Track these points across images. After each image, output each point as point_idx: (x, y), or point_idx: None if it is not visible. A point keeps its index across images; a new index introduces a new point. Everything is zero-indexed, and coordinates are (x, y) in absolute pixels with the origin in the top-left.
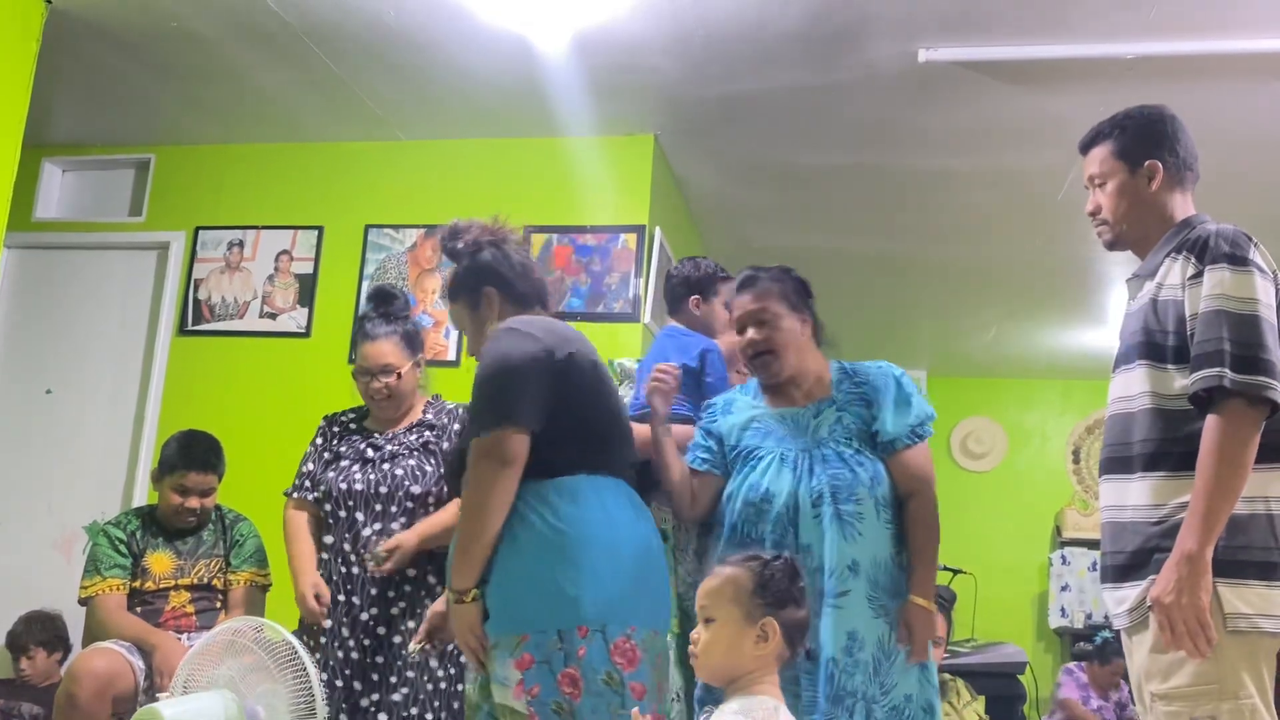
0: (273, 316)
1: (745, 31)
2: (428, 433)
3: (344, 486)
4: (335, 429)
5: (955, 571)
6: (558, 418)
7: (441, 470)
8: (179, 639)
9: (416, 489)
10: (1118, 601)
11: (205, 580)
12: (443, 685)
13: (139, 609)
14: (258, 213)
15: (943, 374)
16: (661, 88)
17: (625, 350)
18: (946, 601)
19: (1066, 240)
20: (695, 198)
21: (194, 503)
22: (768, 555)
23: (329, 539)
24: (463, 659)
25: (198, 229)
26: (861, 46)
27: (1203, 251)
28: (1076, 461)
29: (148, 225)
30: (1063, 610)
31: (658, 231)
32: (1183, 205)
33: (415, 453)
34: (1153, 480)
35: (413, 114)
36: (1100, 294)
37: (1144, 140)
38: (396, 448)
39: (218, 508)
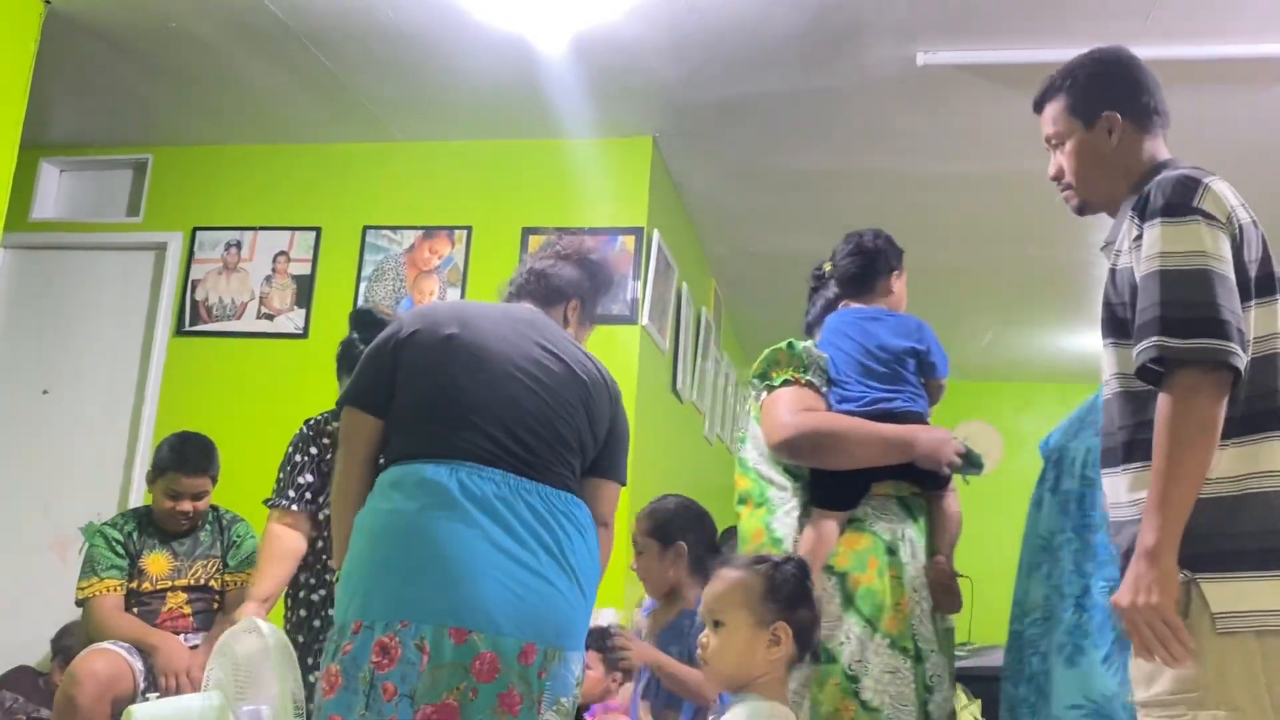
0: (270, 317)
1: (744, 34)
2: None
3: None
4: (325, 440)
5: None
6: (395, 403)
7: None
8: (176, 637)
9: None
10: None
11: (202, 581)
12: None
13: (136, 610)
14: (255, 214)
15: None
16: (660, 90)
17: (621, 355)
18: None
19: (1064, 244)
20: (693, 200)
21: (186, 506)
22: (777, 557)
23: (334, 561)
24: None
25: (195, 230)
26: (860, 49)
27: (1144, 208)
28: None
29: (145, 226)
30: None
31: (656, 234)
32: (1150, 154)
33: None
34: (1134, 472)
35: (410, 115)
36: (1097, 298)
37: (1098, 90)
38: None
39: (214, 508)
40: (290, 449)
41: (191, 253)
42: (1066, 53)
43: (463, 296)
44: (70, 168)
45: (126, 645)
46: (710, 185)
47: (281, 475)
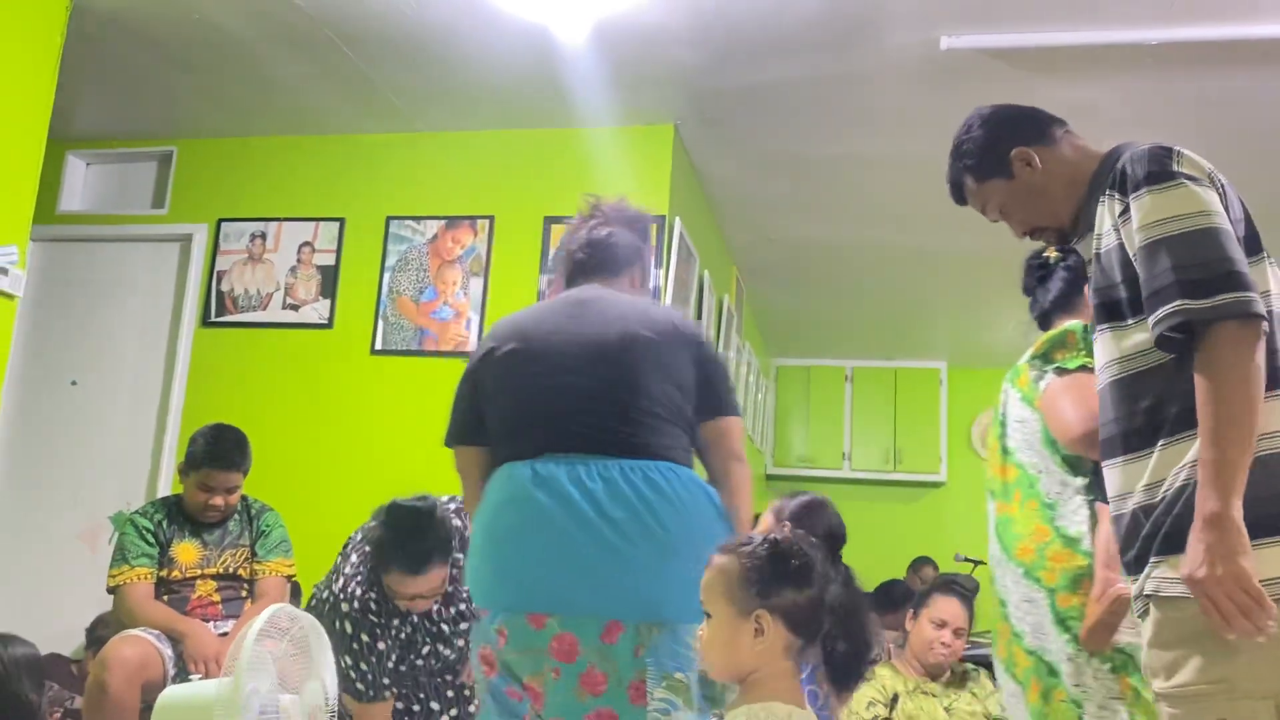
0: (295, 308)
1: (765, 20)
2: (461, 604)
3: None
4: (384, 621)
5: (976, 563)
6: (487, 427)
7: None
8: (205, 625)
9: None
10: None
11: (231, 570)
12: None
13: (165, 598)
14: (279, 205)
15: (962, 365)
16: (681, 77)
17: None
18: (969, 591)
19: None
20: (715, 187)
21: (219, 500)
22: (756, 538)
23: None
24: None
25: (220, 221)
26: (883, 34)
27: (1122, 183)
28: None
29: (171, 218)
30: None
31: (677, 221)
32: (1084, 153)
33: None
34: (1154, 455)
35: (433, 105)
36: None
37: (989, 147)
38: (434, 630)
39: (244, 498)
40: (348, 625)
41: (217, 244)
42: (1091, 35)
43: (485, 286)
44: (96, 161)
45: (156, 632)
46: (732, 172)
47: (364, 666)
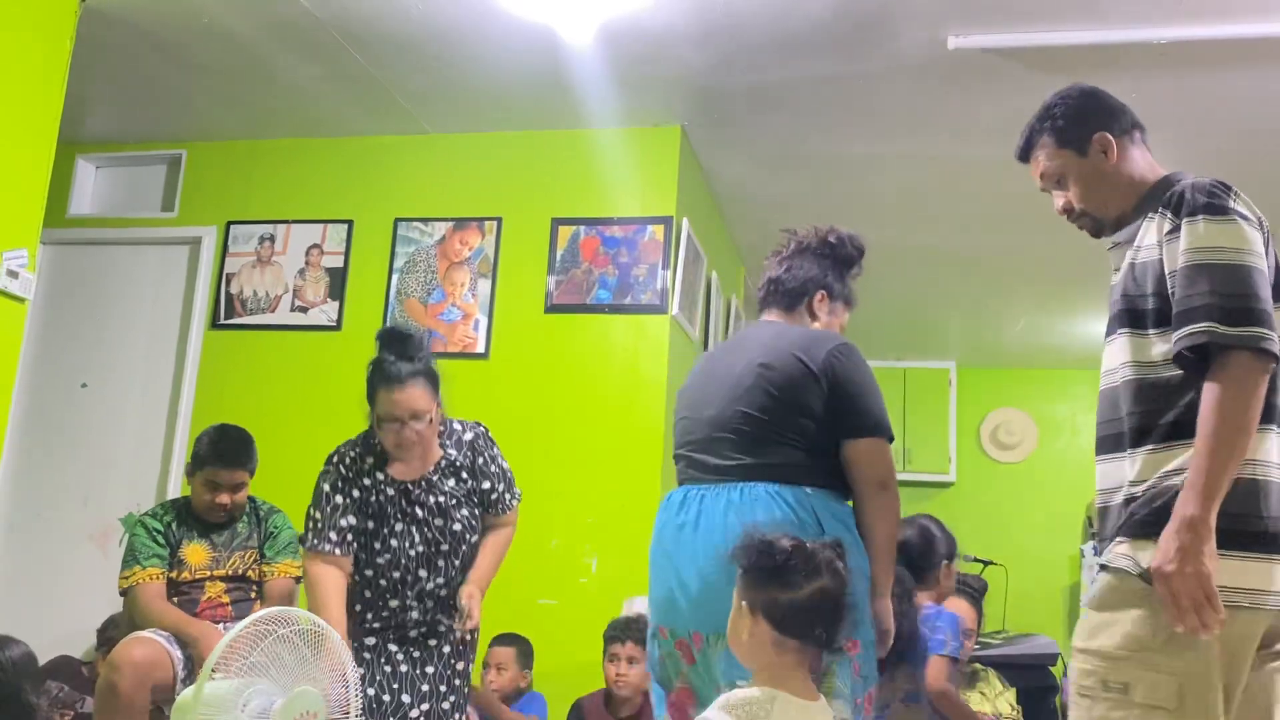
0: (304, 310)
1: (772, 20)
2: (463, 474)
3: (411, 553)
4: (365, 481)
5: (986, 563)
6: None
7: (483, 511)
8: (216, 627)
9: (474, 538)
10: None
11: (240, 571)
12: (467, 690)
13: (175, 599)
14: (288, 207)
15: (973, 364)
16: (688, 78)
17: (651, 344)
18: (977, 592)
19: None
20: (722, 188)
21: (225, 498)
22: (759, 536)
23: (394, 603)
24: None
25: (229, 224)
26: (890, 34)
27: (1178, 206)
28: None
29: (180, 220)
30: None
31: (685, 222)
32: (1149, 165)
33: (463, 502)
34: (1141, 456)
35: (440, 107)
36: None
37: (1080, 120)
38: (443, 500)
39: (251, 500)
40: (327, 487)
41: (226, 247)
42: (1099, 34)
43: (493, 287)
44: (106, 164)
45: (166, 634)
46: (739, 173)
47: (319, 515)
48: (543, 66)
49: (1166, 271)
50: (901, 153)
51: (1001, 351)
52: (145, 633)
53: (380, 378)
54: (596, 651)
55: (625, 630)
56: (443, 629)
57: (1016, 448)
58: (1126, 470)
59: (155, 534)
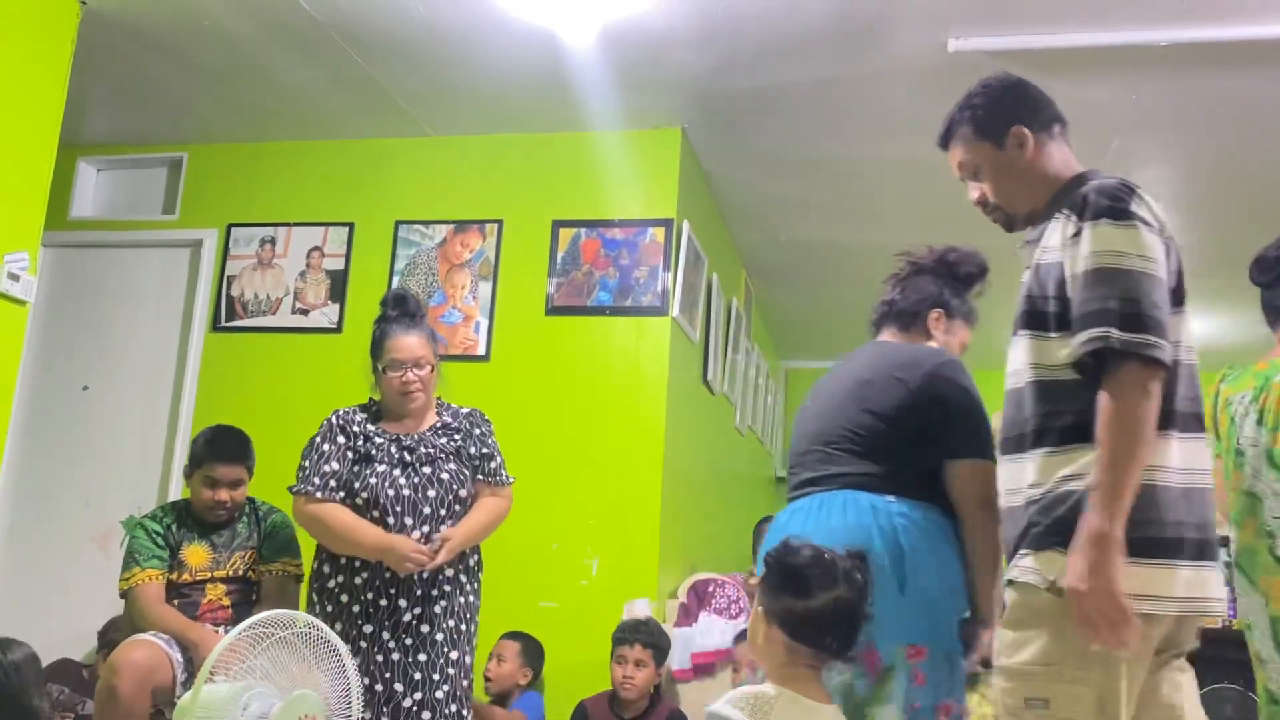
0: (304, 313)
1: (773, 23)
2: (455, 436)
3: (391, 493)
4: (354, 429)
5: None
6: None
7: (471, 474)
8: (216, 631)
9: (464, 492)
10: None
11: (240, 572)
12: (464, 682)
13: (176, 601)
14: (289, 210)
15: (972, 367)
16: (689, 81)
17: (652, 347)
18: None
19: None
20: (723, 191)
21: (224, 495)
22: (777, 545)
23: None
24: (471, 657)
25: (230, 226)
26: (890, 37)
27: (1082, 208)
28: None
29: (181, 223)
30: None
31: (685, 225)
32: (1065, 161)
33: (452, 457)
34: (1040, 458)
35: (441, 110)
36: None
37: (998, 111)
38: (432, 451)
39: (251, 501)
40: (317, 437)
41: (227, 249)
42: (1099, 36)
43: (494, 290)
44: (107, 167)
45: (165, 636)
46: (740, 175)
47: (306, 463)
48: (544, 69)
49: (1068, 275)
50: (902, 155)
51: (1001, 354)
52: (145, 635)
53: (385, 329)
54: (598, 653)
55: (634, 633)
56: (437, 615)
57: None
58: (1027, 472)
59: (155, 536)
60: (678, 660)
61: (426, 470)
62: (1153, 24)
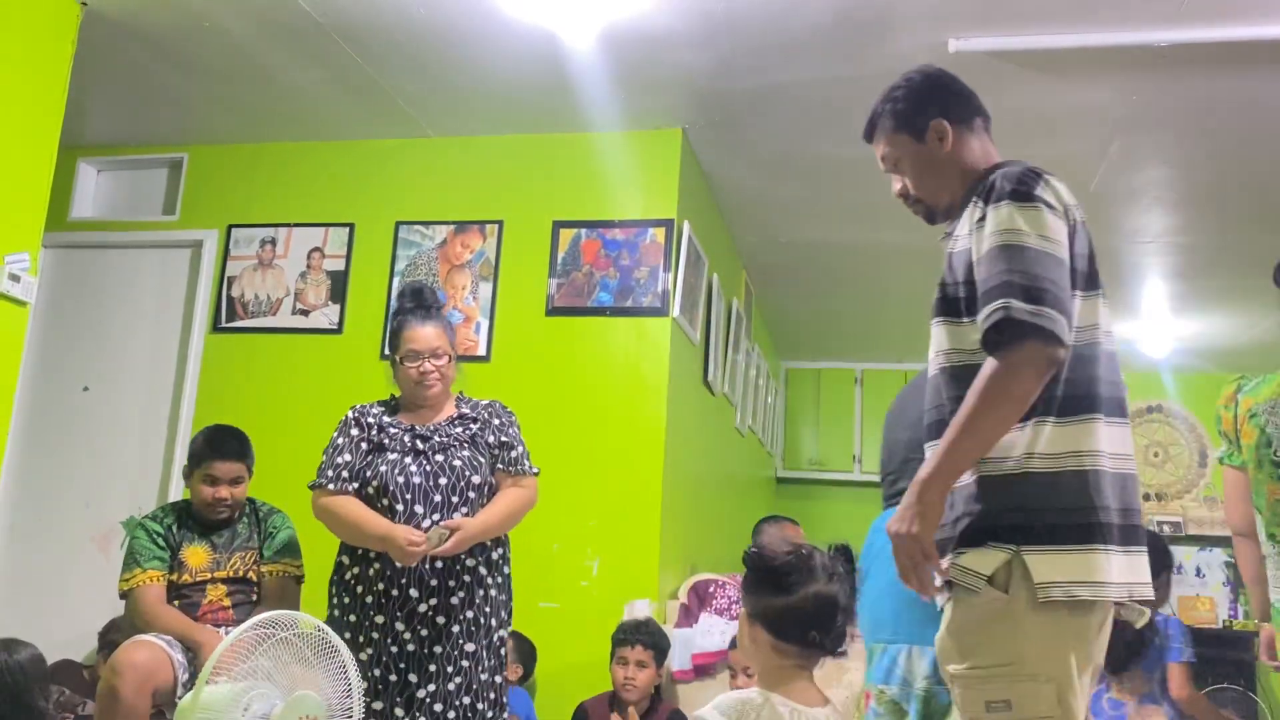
0: (305, 313)
1: (773, 23)
2: (471, 425)
3: (401, 480)
4: (369, 421)
5: None
6: None
7: (489, 462)
8: (218, 632)
9: (477, 479)
10: None
11: (241, 573)
12: (484, 676)
13: (175, 602)
14: (289, 210)
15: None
16: (689, 81)
17: (652, 347)
18: None
19: (1098, 231)
20: (724, 191)
21: (224, 493)
22: (755, 547)
23: None
24: (503, 650)
25: (230, 227)
26: (891, 37)
27: (988, 193)
28: None
29: (181, 224)
30: None
31: (686, 225)
32: (985, 154)
33: (465, 445)
34: None
35: (441, 110)
36: (1132, 284)
37: (919, 105)
38: (445, 439)
39: (251, 501)
40: (335, 433)
41: (227, 250)
42: (1100, 37)
43: (494, 290)
44: (107, 167)
45: (166, 637)
46: (740, 176)
47: (323, 458)
48: (544, 69)
49: (975, 258)
50: None
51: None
52: (146, 636)
53: (403, 319)
54: (598, 654)
55: (634, 633)
56: (453, 607)
57: None
58: None
59: (156, 536)
60: (678, 661)
61: (439, 458)
62: (1153, 24)
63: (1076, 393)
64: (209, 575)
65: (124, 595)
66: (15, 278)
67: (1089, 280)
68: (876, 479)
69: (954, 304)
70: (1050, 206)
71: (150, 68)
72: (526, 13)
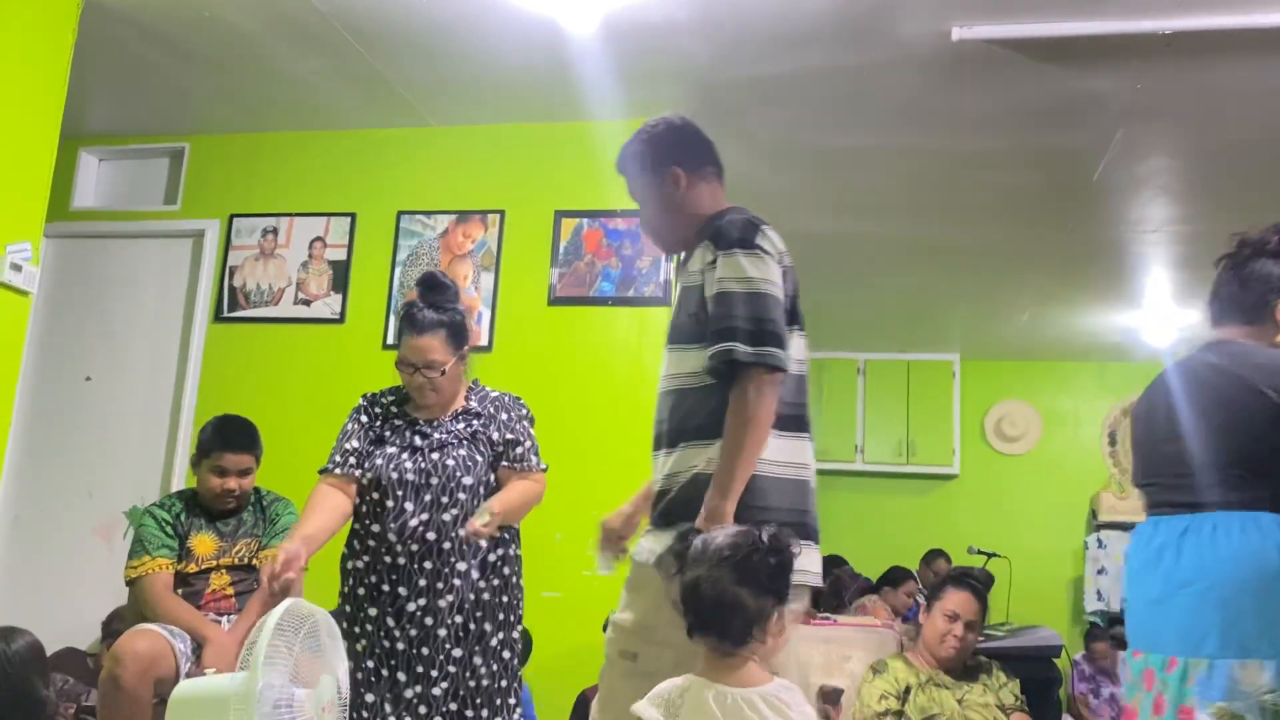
0: (307, 303)
1: (775, 12)
2: (475, 421)
3: (395, 475)
4: (377, 410)
5: (990, 555)
6: None
7: (490, 459)
8: (219, 621)
9: (468, 480)
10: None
11: (245, 560)
12: (485, 682)
13: (180, 590)
14: (291, 200)
15: (977, 357)
16: (691, 70)
17: (654, 337)
18: (982, 585)
19: (1101, 221)
20: (726, 181)
21: (232, 484)
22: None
23: (375, 528)
24: (505, 654)
25: (232, 217)
26: (894, 26)
27: (717, 238)
28: (1112, 444)
29: (183, 213)
30: (1099, 594)
31: None
32: (714, 200)
33: (465, 442)
34: (676, 453)
35: (443, 100)
36: (1135, 276)
37: (660, 152)
38: (445, 436)
39: (256, 490)
40: (347, 419)
41: (229, 240)
42: (1104, 25)
43: (496, 280)
44: (109, 157)
45: (169, 626)
46: (742, 165)
47: (335, 443)
48: (545, 59)
49: (706, 296)
50: (905, 144)
51: (1005, 344)
52: (148, 625)
53: (406, 322)
54: (600, 643)
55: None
56: (441, 610)
57: (1020, 440)
58: (665, 464)
59: (165, 524)
60: None
61: (435, 456)
62: (1156, 13)
63: (793, 414)
64: (214, 563)
65: (130, 583)
66: (17, 268)
67: (791, 316)
68: (878, 469)
69: (684, 333)
70: (769, 254)
71: (151, 57)
72: (527, 1)
